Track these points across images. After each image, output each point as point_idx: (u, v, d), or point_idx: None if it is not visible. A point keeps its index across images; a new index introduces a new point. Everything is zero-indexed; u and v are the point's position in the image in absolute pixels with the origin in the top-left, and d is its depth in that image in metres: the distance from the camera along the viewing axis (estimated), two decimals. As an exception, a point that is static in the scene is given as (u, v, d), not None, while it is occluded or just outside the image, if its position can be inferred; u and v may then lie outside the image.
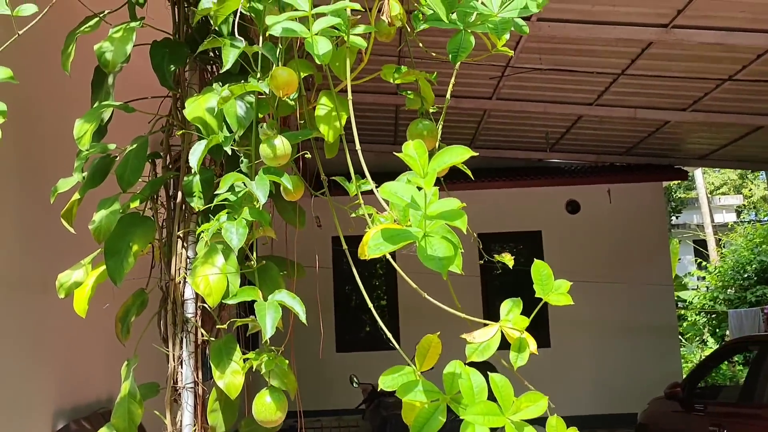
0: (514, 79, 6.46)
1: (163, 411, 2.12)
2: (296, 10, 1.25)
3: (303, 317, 1.31)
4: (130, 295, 2.34)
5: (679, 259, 19.09)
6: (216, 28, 1.61)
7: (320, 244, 2.35)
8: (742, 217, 23.87)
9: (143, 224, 2.26)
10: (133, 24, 2.11)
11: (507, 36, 1.48)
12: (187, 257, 2.30)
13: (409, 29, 1.57)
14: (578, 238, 9.38)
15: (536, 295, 1.19)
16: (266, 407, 1.62)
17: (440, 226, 1.07)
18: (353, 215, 1.46)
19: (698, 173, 19.71)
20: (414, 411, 1.25)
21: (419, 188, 1.17)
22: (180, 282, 2.28)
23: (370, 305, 1.41)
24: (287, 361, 1.89)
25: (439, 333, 1.31)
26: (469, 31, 1.42)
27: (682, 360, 11.41)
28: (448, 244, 1.04)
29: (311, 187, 1.91)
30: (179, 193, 2.31)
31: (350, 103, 1.43)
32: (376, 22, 1.58)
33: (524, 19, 1.52)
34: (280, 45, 1.44)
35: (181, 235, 2.29)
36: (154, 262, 2.43)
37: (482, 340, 1.30)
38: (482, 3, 1.36)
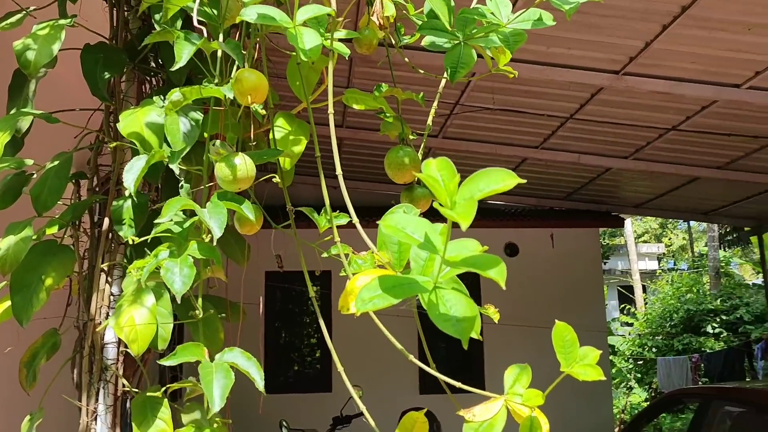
0: (462, 118, 6.34)
1: (71, 479, 1.80)
2: (280, -10, 1.00)
3: (261, 385, 1.04)
4: (40, 335, 2.01)
5: (606, 305, 19.40)
6: (165, 23, 1.34)
7: (252, 278, 2.10)
8: (662, 264, 24.64)
9: (60, 254, 1.95)
10: (62, 21, 1.82)
11: (510, 53, 1.27)
12: (111, 294, 1.99)
13: (394, 40, 1.34)
14: (516, 281, 9.28)
15: (563, 370, 0.96)
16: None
17: (450, 276, 0.83)
18: (325, 255, 1.21)
19: (627, 221, 20.22)
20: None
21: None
22: (101, 322, 1.97)
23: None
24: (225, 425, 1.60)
25: (425, 410, 1.06)
26: (470, 44, 1.20)
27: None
28: (468, 301, 0.81)
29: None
30: (106, 220, 2.01)
31: (332, 125, 1.18)
32: (359, 29, 1.35)
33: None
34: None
35: (106, 269, 1.98)
36: (71, 299, 2.11)
37: (484, 418, 1.05)
38: (491, 12, 1.15)
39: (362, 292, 0.80)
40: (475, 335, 0.83)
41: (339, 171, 1.10)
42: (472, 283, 9.50)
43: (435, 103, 1.44)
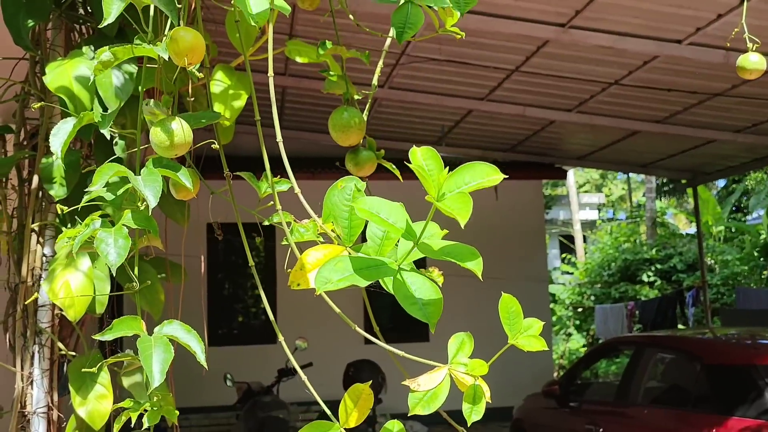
0: (408, 69, 6.27)
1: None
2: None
3: (202, 358, 1.01)
4: (-32, 298, 1.92)
5: (547, 254, 19.86)
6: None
7: (193, 231, 2.05)
8: (601, 214, 25.24)
9: (-13, 214, 1.86)
10: (-20, -37, 1.69)
11: (459, 15, 1.24)
12: (44, 255, 1.91)
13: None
14: (460, 233, 9.36)
15: (510, 342, 0.96)
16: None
17: (413, 259, 0.81)
18: (266, 223, 1.17)
19: (570, 172, 20.57)
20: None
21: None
22: (33, 285, 1.89)
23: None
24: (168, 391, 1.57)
25: (370, 382, 1.04)
26: (417, 3, 1.16)
27: (550, 352, 11.78)
28: (432, 285, 0.79)
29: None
30: (35, 177, 1.92)
31: (272, 88, 1.12)
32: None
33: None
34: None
35: (37, 229, 1.90)
36: (0, 260, 2.02)
37: (428, 387, 1.04)
38: (439, -32, 1.10)
39: (326, 271, 0.78)
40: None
41: (279, 138, 1.05)
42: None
43: (380, 62, 1.39)
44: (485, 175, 0.80)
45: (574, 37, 5.08)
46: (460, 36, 1.25)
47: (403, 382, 1.04)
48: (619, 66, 5.92)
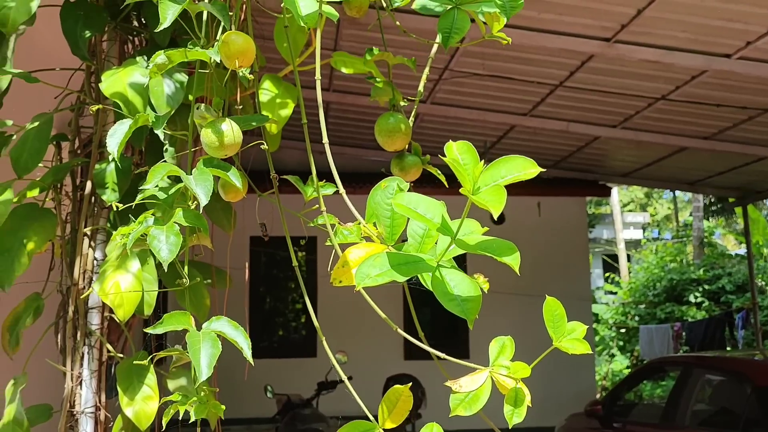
0: (451, 84, 6.28)
1: (56, 442, 1.80)
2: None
3: (248, 354, 1.03)
4: (23, 299, 1.98)
5: (591, 273, 19.55)
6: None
7: (237, 243, 2.09)
8: (646, 234, 24.78)
9: (42, 218, 1.92)
10: (41, -23, 1.76)
11: (505, 20, 1.25)
12: (95, 259, 1.96)
13: (384, 3, 1.30)
14: (502, 248, 9.30)
15: (554, 344, 0.95)
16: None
17: (452, 256, 0.82)
18: (311, 225, 1.19)
19: (614, 190, 20.27)
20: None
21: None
22: (84, 287, 1.95)
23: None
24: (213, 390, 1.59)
25: (410, 384, 1.04)
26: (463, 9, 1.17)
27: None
28: (471, 281, 0.80)
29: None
30: (88, 183, 1.98)
31: (319, 90, 1.14)
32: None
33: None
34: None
35: (89, 233, 1.95)
36: (53, 263, 2.08)
37: (470, 389, 1.04)
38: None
39: (365, 267, 0.79)
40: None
41: (326, 139, 1.07)
42: (460, 255, 9.46)
43: (426, 69, 1.41)
44: (522, 168, 0.80)
45: (619, 51, 5.04)
46: (506, 41, 1.25)
47: (445, 383, 1.05)
48: (665, 81, 5.83)
